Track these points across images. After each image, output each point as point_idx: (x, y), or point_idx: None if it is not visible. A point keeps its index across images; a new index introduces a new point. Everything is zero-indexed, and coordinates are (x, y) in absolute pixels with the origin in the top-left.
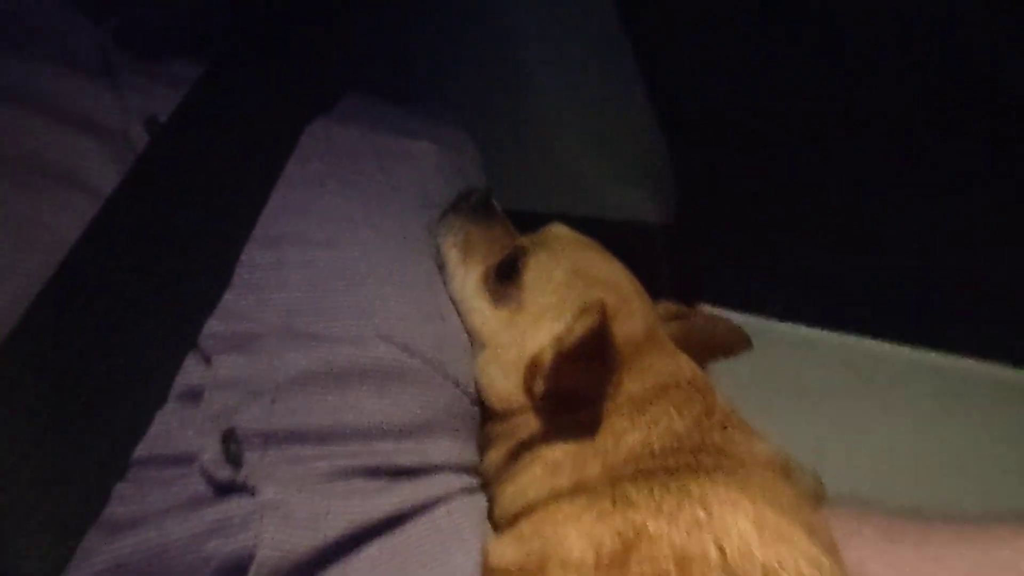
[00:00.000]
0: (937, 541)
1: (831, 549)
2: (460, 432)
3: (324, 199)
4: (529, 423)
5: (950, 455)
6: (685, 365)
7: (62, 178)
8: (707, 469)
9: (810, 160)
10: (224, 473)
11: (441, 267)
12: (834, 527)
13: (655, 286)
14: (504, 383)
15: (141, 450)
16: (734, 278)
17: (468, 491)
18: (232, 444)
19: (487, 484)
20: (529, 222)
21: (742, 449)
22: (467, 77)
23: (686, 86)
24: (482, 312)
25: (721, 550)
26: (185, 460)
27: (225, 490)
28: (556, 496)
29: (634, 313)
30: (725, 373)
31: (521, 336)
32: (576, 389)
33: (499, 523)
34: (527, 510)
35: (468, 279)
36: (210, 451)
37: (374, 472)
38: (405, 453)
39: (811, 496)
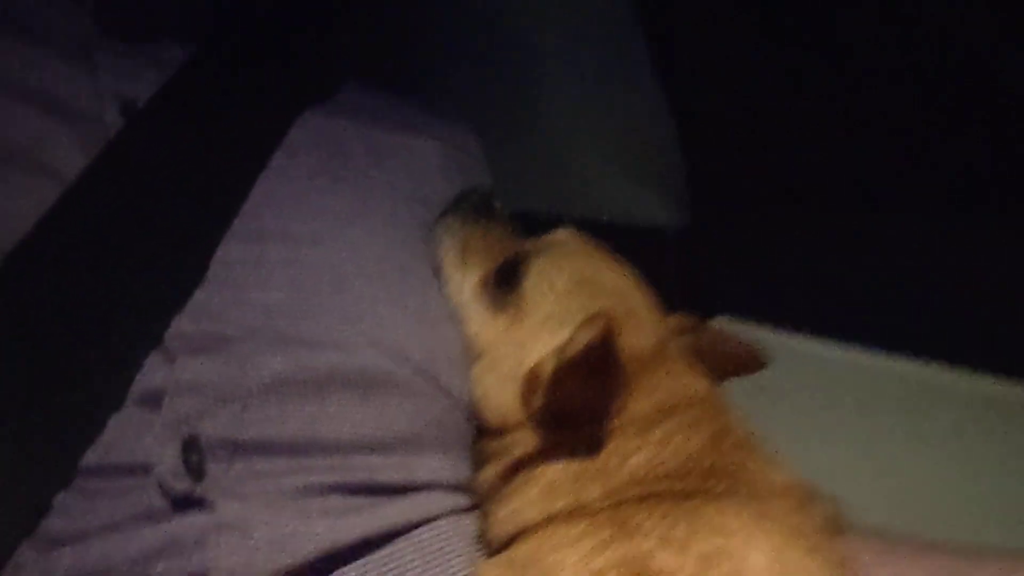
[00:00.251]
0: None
1: None
2: (452, 447)
3: (312, 194)
4: (526, 440)
5: (973, 476)
6: (697, 382)
7: (23, 161)
8: (719, 495)
9: (832, 166)
10: (181, 485)
11: (437, 271)
12: (857, 559)
13: (666, 295)
14: (500, 396)
15: (91, 457)
16: (750, 288)
17: (458, 512)
18: (194, 454)
19: (480, 504)
20: (536, 225)
21: (758, 475)
22: (474, 74)
23: (701, 85)
24: (479, 319)
25: None
26: (139, 470)
27: (182, 505)
28: (553, 520)
29: (642, 325)
30: (738, 387)
31: (519, 346)
32: (577, 405)
33: (492, 546)
34: (521, 534)
35: (465, 284)
36: (168, 460)
37: (353, 490)
38: (389, 469)
39: (832, 525)
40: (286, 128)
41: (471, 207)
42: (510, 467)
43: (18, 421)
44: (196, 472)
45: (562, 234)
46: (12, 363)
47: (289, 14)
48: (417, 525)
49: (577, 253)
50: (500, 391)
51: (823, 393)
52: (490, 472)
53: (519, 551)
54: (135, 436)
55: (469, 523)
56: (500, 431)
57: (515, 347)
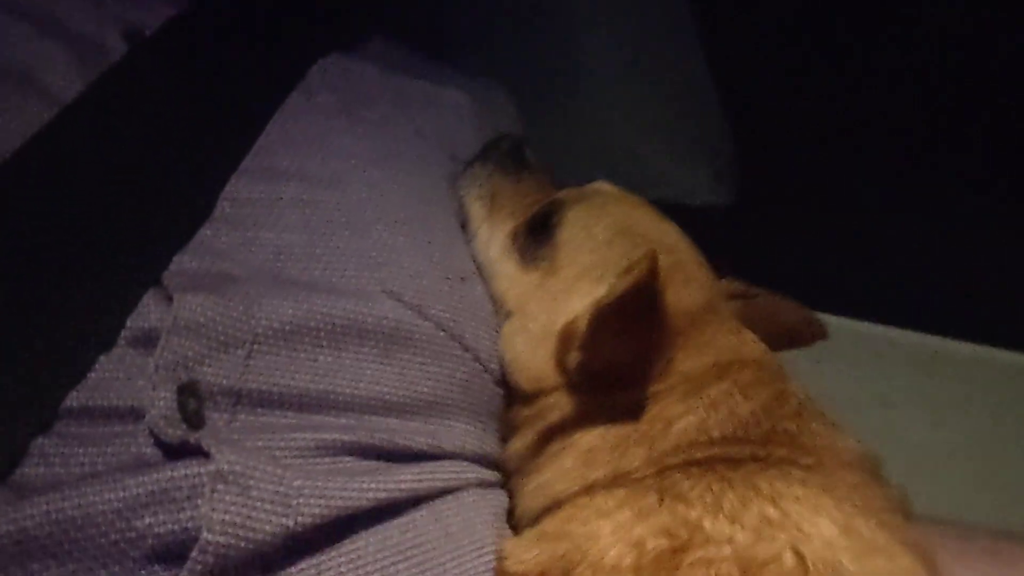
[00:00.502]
0: None
1: (934, 572)
2: (479, 415)
3: (331, 134)
4: (561, 404)
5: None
6: (752, 343)
7: (16, 80)
8: (779, 462)
9: (889, 140)
10: (176, 432)
11: (464, 224)
12: (934, 550)
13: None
14: (532, 357)
15: (74, 399)
16: (802, 268)
17: (485, 484)
18: (191, 400)
19: (509, 478)
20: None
21: (822, 443)
22: (517, 49)
23: (750, 62)
24: (509, 274)
25: (799, 556)
26: (128, 415)
27: (175, 454)
28: (590, 490)
29: (691, 278)
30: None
31: (553, 302)
32: (617, 362)
33: (521, 523)
34: (554, 506)
35: (494, 237)
36: (161, 405)
37: (368, 452)
38: (409, 433)
39: (903, 506)
40: (305, 68)
41: (501, 155)
42: (543, 435)
43: None
44: (193, 420)
45: (600, 184)
46: None
47: None
48: (439, 495)
49: (618, 202)
50: (532, 352)
51: (873, 375)
52: (520, 442)
53: (550, 524)
54: (125, 378)
55: (497, 497)
56: (532, 396)
57: (549, 303)
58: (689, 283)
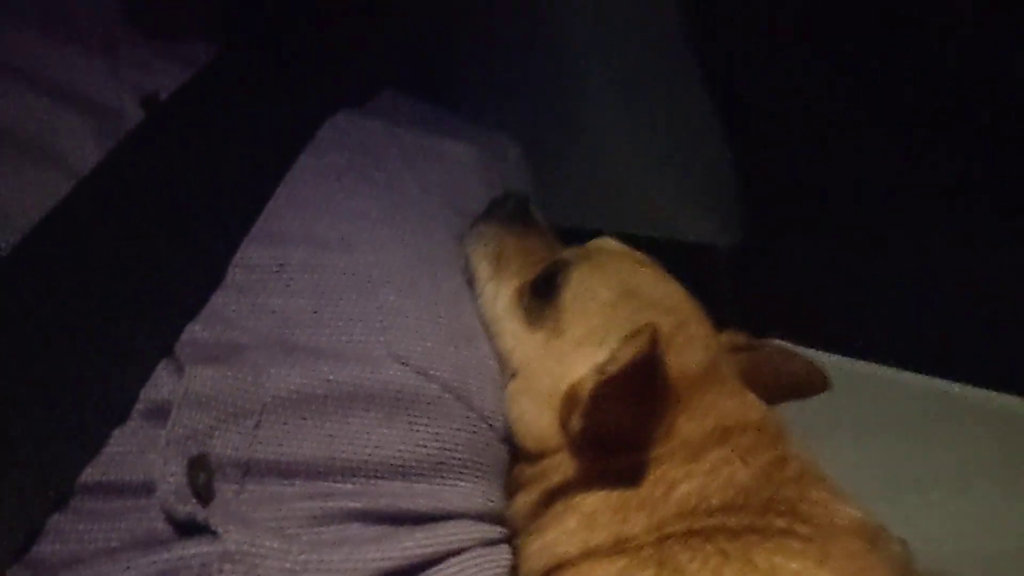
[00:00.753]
0: None
1: None
2: (483, 473)
3: (339, 195)
4: (564, 466)
5: None
6: (752, 405)
7: (35, 152)
8: (777, 533)
9: (896, 180)
10: (185, 508)
11: (470, 282)
12: None
13: (718, 316)
14: (537, 417)
15: (89, 475)
16: (808, 309)
17: (489, 543)
18: (202, 473)
19: (514, 535)
20: (579, 241)
21: (821, 510)
22: (519, 89)
23: (756, 102)
24: (514, 334)
25: None
26: (141, 490)
27: (185, 531)
28: (591, 554)
29: (693, 341)
30: (793, 414)
31: (558, 363)
32: (620, 427)
33: None
34: (557, 568)
35: (500, 296)
36: (172, 480)
37: (374, 517)
38: (414, 496)
39: (904, 569)
40: (314, 128)
41: (507, 213)
42: (546, 495)
43: (9, 431)
44: (203, 493)
45: (604, 242)
46: (6, 365)
47: (325, 15)
48: (444, 557)
49: (622, 262)
50: (536, 412)
51: (881, 419)
52: (524, 500)
53: None
54: (138, 452)
55: (501, 556)
56: (536, 456)
57: (553, 364)
58: (690, 345)
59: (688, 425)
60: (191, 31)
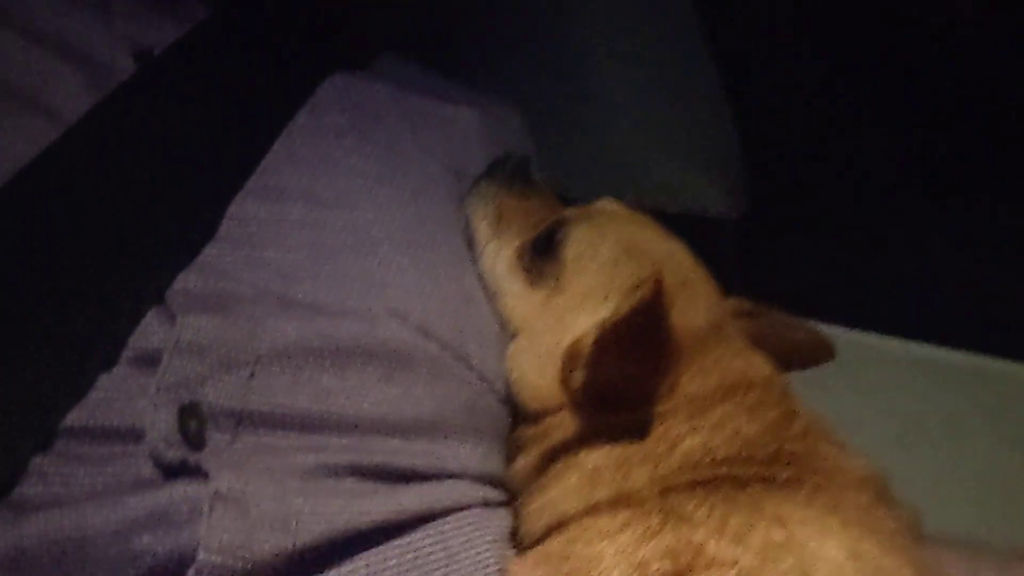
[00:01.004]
0: None
1: None
2: (483, 435)
3: (338, 153)
4: (565, 424)
5: None
6: (758, 363)
7: (24, 101)
8: (785, 483)
9: (900, 153)
10: (175, 453)
11: (470, 242)
12: (944, 568)
13: (723, 287)
14: (538, 376)
15: (73, 418)
16: (812, 281)
17: (488, 504)
18: (192, 421)
19: (513, 497)
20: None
21: (830, 463)
22: (524, 60)
23: (762, 71)
24: (514, 293)
25: None
26: (129, 435)
27: (174, 474)
28: (593, 510)
29: (697, 298)
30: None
31: (559, 321)
32: (622, 383)
33: (524, 543)
34: (558, 526)
35: (500, 255)
36: (161, 426)
37: (370, 473)
38: (412, 454)
39: (912, 527)
40: (312, 86)
41: (507, 174)
42: (547, 454)
43: None
44: (194, 441)
45: (605, 203)
46: None
47: None
48: (441, 515)
49: (624, 221)
50: (537, 371)
51: (881, 390)
52: (525, 461)
53: (554, 544)
54: (126, 398)
55: (500, 517)
56: (537, 415)
57: (554, 322)
58: (695, 302)
59: (692, 381)
60: None
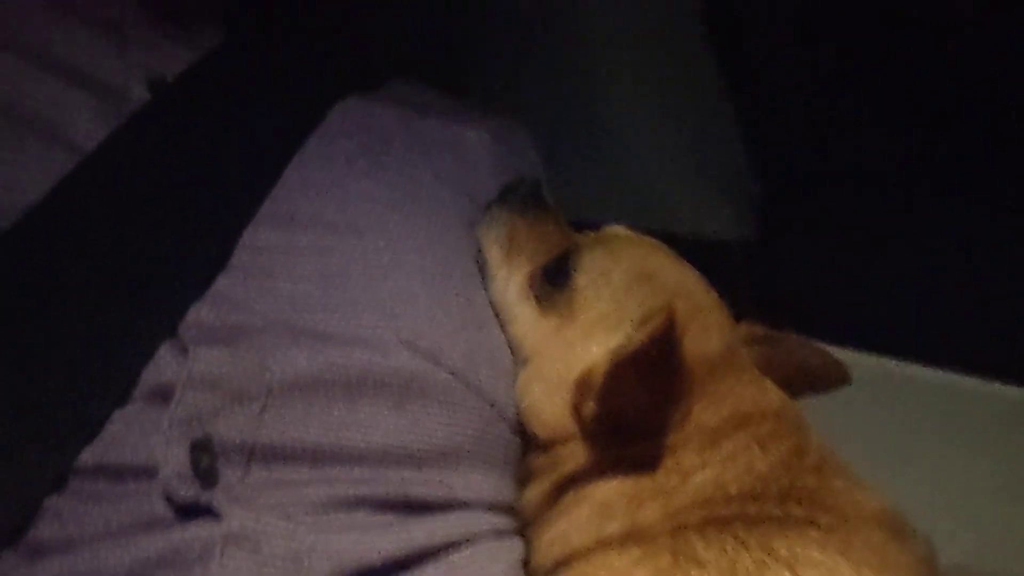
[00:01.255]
0: None
1: None
2: (494, 463)
3: (349, 179)
4: (576, 454)
5: None
6: (771, 393)
7: (40, 130)
8: (797, 522)
9: (913, 173)
10: (189, 490)
11: (481, 268)
12: None
13: (735, 311)
14: (549, 405)
15: (88, 456)
16: (824, 305)
17: (499, 534)
18: (204, 457)
19: (525, 526)
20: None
21: (842, 499)
22: (537, 83)
23: (773, 94)
24: (526, 320)
25: None
26: (142, 473)
27: (187, 513)
28: (604, 545)
29: (710, 327)
30: (811, 409)
31: (570, 349)
32: (634, 414)
33: (535, 574)
34: (569, 559)
35: (511, 281)
36: (174, 463)
37: (382, 505)
38: (423, 484)
39: (928, 564)
40: (323, 112)
41: (519, 199)
42: (558, 484)
43: (6, 411)
44: (206, 477)
45: (616, 228)
46: (3, 343)
47: (332, 2)
48: (453, 546)
49: (636, 247)
50: (548, 399)
51: (899, 416)
52: (536, 491)
53: None
54: (139, 435)
55: (511, 547)
56: (548, 445)
57: (566, 350)
58: (707, 331)
59: (705, 411)
60: (200, 15)
